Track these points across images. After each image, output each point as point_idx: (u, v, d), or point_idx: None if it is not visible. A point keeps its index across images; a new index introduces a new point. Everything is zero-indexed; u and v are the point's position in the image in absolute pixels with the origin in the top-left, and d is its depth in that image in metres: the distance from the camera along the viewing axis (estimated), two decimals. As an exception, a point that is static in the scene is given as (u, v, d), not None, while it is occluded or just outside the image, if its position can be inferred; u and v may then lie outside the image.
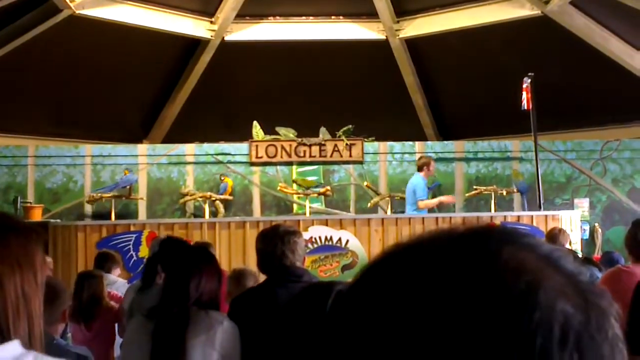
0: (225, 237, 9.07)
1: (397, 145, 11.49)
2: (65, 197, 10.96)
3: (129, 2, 12.02)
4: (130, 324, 3.81)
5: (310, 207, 10.70)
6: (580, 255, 7.55)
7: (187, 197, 10.83)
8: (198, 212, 10.86)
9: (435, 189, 11.16)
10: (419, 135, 13.11)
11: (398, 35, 13.01)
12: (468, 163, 11.47)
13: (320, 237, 9.15)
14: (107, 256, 6.99)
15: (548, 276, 0.64)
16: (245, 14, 12.94)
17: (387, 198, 10.90)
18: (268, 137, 11.24)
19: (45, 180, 10.97)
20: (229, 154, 11.26)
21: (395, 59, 13.20)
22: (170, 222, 9.54)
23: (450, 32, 12.59)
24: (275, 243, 3.81)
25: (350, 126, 11.25)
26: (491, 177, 11.28)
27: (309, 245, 8.88)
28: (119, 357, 4.89)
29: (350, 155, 11.27)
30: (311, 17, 13.23)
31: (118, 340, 5.48)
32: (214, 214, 10.60)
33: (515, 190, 10.99)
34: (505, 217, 9.55)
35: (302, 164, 11.27)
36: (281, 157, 11.21)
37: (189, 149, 11.31)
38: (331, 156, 11.25)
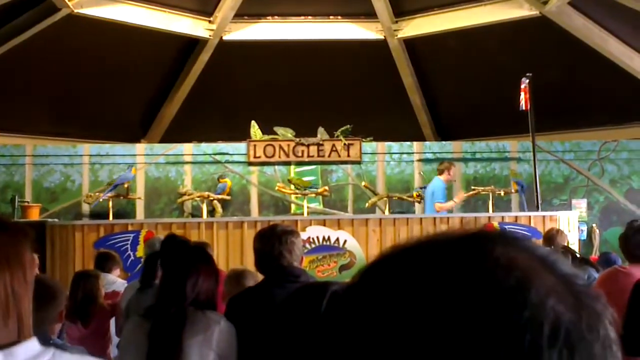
0: (223, 237, 9.06)
1: (395, 146, 11.49)
2: (62, 197, 10.95)
3: (127, 1, 12.01)
4: (127, 324, 3.81)
5: (308, 207, 10.70)
6: (578, 255, 7.55)
7: (185, 197, 10.82)
8: (196, 212, 10.86)
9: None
10: (417, 136, 13.12)
11: (396, 36, 13.01)
12: (466, 163, 11.47)
13: (318, 237, 9.15)
14: (108, 256, 7.03)
15: (540, 275, 0.64)
16: (243, 14, 12.94)
17: (385, 198, 10.90)
18: (266, 136, 11.24)
19: (42, 179, 10.96)
20: (227, 154, 11.25)
21: (394, 59, 13.20)
22: (168, 221, 9.53)
23: (448, 32, 12.59)
24: (272, 243, 3.80)
25: (349, 126, 11.25)
26: (489, 178, 11.28)
27: (307, 245, 8.88)
28: (116, 357, 4.89)
29: (348, 155, 11.27)
30: (309, 17, 13.23)
31: (115, 340, 5.48)
32: (211, 213, 10.60)
33: (514, 190, 10.98)
34: (502, 217, 9.55)
35: (300, 163, 11.27)
36: (279, 157, 11.21)
37: (187, 149, 11.30)
38: (329, 156, 11.25)
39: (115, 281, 6.64)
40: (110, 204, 10.39)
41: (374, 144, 11.42)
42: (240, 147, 11.25)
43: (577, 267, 6.04)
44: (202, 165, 11.25)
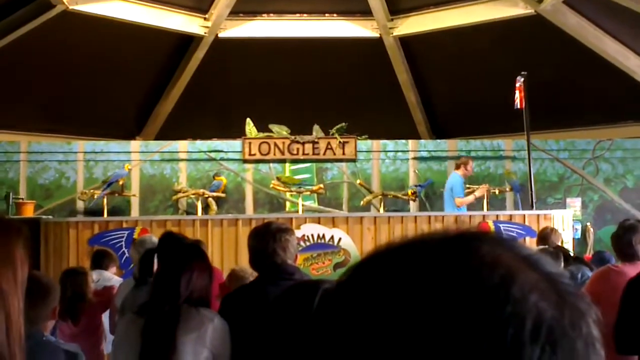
0: (218, 235, 9.06)
1: (390, 144, 11.50)
2: (57, 194, 10.94)
3: (122, -2, 12.00)
4: (121, 321, 3.80)
5: (303, 205, 10.70)
6: (572, 254, 7.57)
7: (180, 194, 10.82)
8: (191, 209, 10.85)
9: (427, 187, 11.18)
10: (412, 134, 13.11)
11: (392, 33, 13.00)
12: (461, 162, 11.47)
13: (312, 235, 9.15)
14: (104, 254, 7.09)
15: (524, 272, 0.65)
16: (239, 11, 12.92)
17: (380, 196, 10.91)
18: (261, 134, 11.24)
19: (37, 176, 10.94)
20: (222, 151, 11.25)
21: (389, 57, 13.19)
22: (162, 219, 9.53)
23: (444, 30, 12.59)
24: (267, 240, 3.80)
25: (344, 124, 11.25)
26: (484, 176, 11.29)
27: (302, 243, 8.88)
28: (110, 354, 4.89)
29: (344, 153, 11.28)
30: (305, 15, 13.22)
31: (110, 337, 5.48)
32: (206, 210, 10.59)
33: (508, 189, 11.02)
34: (497, 216, 9.56)
35: (295, 161, 11.27)
36: (274, 154, 11.21)
37: (182, 146, 11.29)
38: (324, 154, 11.25)
39: (111, 278, 6.67)
40: (105, 201, 10.39)
41: (369, 142, 11.43)
42: (235, 144, 11.25)
43: (571, 266, 6.06)
44: (197, 163, 11.25)
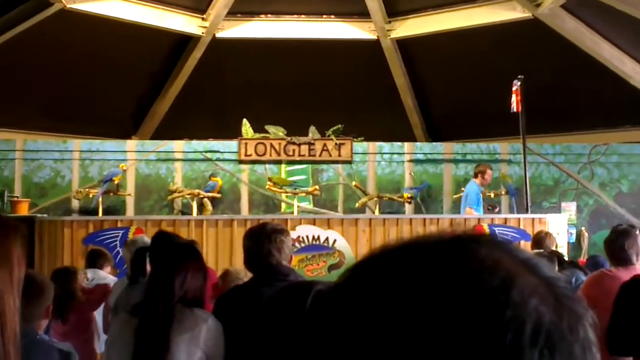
0: (213, 235, 9.05)
1: (386, 146, 11.50)
2: (52, 192, 10.92)
3: (120, -3, 11.99)
4: (114, 320, 3.80)
5: (298, 206, 10.70)
6: (566, 258, 7.58)
7: (175, 194, 10.81)
8: (186, 210, 10.84)
9: (424, 190, 11.18)
10: (409, 136, 13.12)
11: (389, 36, 13.01)
12: (457, 165, 11.49)
13: (307, 237, 9.15)
14: (99, 253, 7.12)
15: (523, 276, 0.66)
16: (236, 12, 12.92)
17: (375, 198, 10.91)
18: (257, 135, 11.23)
19: (32, 174, 10.92)
20: (217, 152, 11.24)
21: (386, 59, 13.20)
22: (157, 218, 9.51)
23: (441, 33, 12.60)
24: (262, 241, 3.79)
25: (340, 126, 11.25)
26: (479, 179, 11.28)
27: (296, 244, 8.88)
28: (104, 354, 4.88)
29: (339, 155, 11.27)
30: (303, 16, 13.22)
31: (103, 337, 5.48)
32: (200, 209, 10.59)
33: (503, 192, 11.03)
34: (492, 219, 9.57)
35: (291, 162, 11.26)
36: (270, 155, 11.20)
37: (178, 146, 11.28)
38: (320, 155, 11.24)
39: (106, 277, 6.68)
40: (100, 200, 10.38)
41: (365, 143, 11.43)
42: (231, 145, 11.24)
43: (565, 270, 6.08)
44: (192, 163, 11.23)
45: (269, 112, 11.90)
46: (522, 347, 0.61)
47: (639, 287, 4.16)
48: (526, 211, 9.81)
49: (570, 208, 11.17)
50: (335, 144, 11.22)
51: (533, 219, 9.48)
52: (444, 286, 0.63)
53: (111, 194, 10.58)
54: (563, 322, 0.64)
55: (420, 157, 11.52)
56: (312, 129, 11.25)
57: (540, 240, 7.20)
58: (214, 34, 12.95)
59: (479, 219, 9.53)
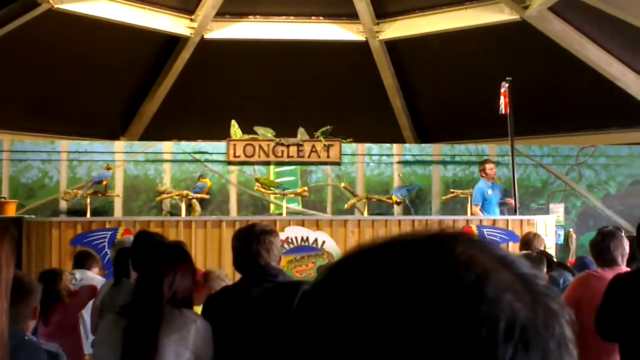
0: (202, 236, 9.04)
1: (374, 147, 11.51)
2: (40, 193, 10.87)
3: (108, -3, 11.96)
4: (102, 321, 3.78)
5: (287, 208, 10.70)
6: (555, 259, 7.62)
7: (164, 195, 10.79)
8: (174, 211, 10.82)
9: (413, 192, 11.20)
10: (397, 138, 13.13)
11: (378, 37, 13.03)
12: (445, 166, 11.51)
13: (296, 238, 9.15)
14: (86, 254, 7.10)
15: (498, 272, 0.66)
16: (225, 13, 12.91)
17: (364, 200, 10.92)
18: (246, 136, 11.22)
19: (20, 175, 10.87)
20: (206, 153, 11.22)
21: (375, 61, 13.22)
22: (146, 219, 9.49)
23: (429, 35, 12.63)
24: (250, 242, 3.78)
25: (329, 127, 11.25)
26: (468, 181, 11.32)
27: (285, 245, 8.88)
28: (92, 354, 4.87)
29: (328, 156, 11.28)
30: (292, 17, 13.23)
31: (91, 337, 5.46)
32: (190, 212, 10.57)
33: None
34: (481, 220, 9.60)
35: (279, 164, 11.26)
36: (259, 156, 11.19)
37: (167, 147, 11.25)
38: (309, 157, 11.24)
39: (94, 278, 6.66)
40: (88, 201, 10.34)
41: (353, 145, 11.43)
42: (220, 146, 11.23)
43: (554, 271, 6.11)
44: (181, 164, 11.21)
45: (258, 113, 11.89)
46: (496, 342, 0.62)
47: (622, 282, 4.32)
48: (514, 213, 9.85)
49: (558, 210, 11.21)
50: (324, 145, 11.23)
51: (521, 220, 9.51)
52: (419, 282, 0.64)
53: (99, 195, 10.54)
54: (538, 318, 0.64)
55: (409, 158, 11.54)
56: (301, 130, 11.25)
57: (528, 241, 7.22)
58: (203, 35, 12.93)
59: (467, 221, 9.56)
